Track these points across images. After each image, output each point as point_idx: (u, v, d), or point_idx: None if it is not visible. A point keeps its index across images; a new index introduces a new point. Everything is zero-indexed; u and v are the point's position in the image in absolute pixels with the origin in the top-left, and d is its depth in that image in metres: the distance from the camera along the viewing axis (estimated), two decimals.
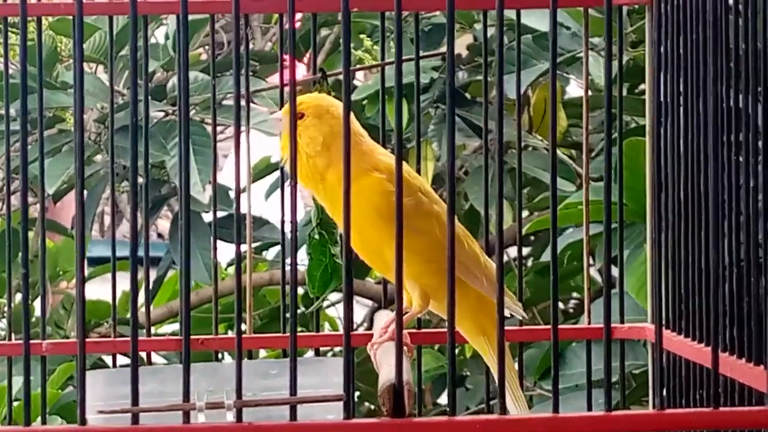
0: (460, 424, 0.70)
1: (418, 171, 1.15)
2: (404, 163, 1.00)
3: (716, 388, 0.73)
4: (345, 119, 0.75)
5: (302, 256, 2.16)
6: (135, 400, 0.71)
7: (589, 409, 1.06)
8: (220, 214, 1.95)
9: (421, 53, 1.73)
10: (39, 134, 1.16)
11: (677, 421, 0.72)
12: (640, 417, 0.73)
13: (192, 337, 1.12)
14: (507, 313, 1.02)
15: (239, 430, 0.70)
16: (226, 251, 2.10)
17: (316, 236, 1.11)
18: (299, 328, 1.99)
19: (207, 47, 1.92)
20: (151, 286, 2.01)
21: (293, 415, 0.72)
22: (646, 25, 1.12)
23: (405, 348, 0.93)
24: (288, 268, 1.17)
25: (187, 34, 0.74)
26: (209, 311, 2.00)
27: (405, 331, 0.96)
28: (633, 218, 1.24)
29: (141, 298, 2.06)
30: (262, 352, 1.74)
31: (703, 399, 0.92)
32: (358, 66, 1.66)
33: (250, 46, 1.94)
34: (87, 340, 1.19)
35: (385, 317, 1.06)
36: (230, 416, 0.72)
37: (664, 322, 1.02)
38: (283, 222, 1.18)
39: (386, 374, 0.77)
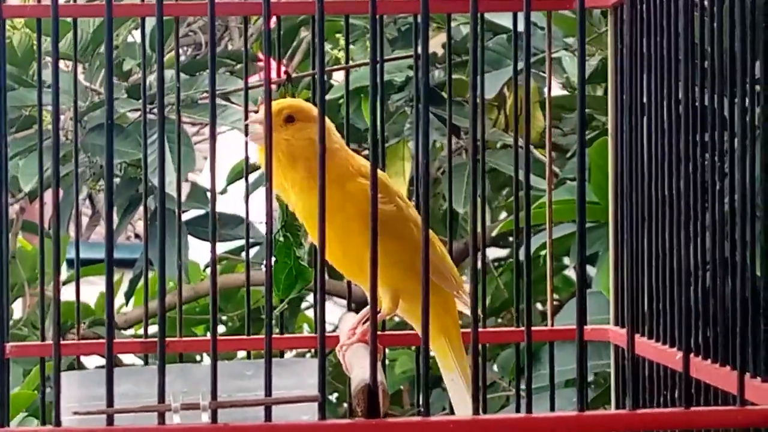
0: (433, 425, 0.70)
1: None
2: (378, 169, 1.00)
3: (688, 388, 0.74)
4: (320, 124, 0.75)
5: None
6: (110, 401, 0.71)
7: (552, 409, 1.07)
8: (197, 212, 1.95)
9: (396, 53, 1.74)
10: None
11: (650, 421, 0.72)
12: (613, 417, 0.73)
13: (154, 339, 1.13)
14: (464, 308, 1.03)
15: (214, 431, 0.70)
16: (204, 251, 2.10)
17: (281, 238, 1.11)
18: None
19: (184, 48, 1.92)
20: (128, 287, 2.01)
21: (268, 416, 0.72)
22: (609, 27, 1.13)
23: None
24: (263, 268, 1.17)
25: (162, 36, 0.74)
26: (188, 312, 2.01)
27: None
28: (605, 218, 1.25)
29: (118, 300, 2.07)
30: (241, 353, 1.73)
31: (668, 400, 0.93)
32: (331, 67, 1.66)
33: (229, 46, 1.94)
34: (62, 342, 1.19)
35: (350, 320, 1.06)
36: (205, 417, 0.72)
37: (627, 323, 1.04)
38: (248, 225, 1.18)
39: (359, 375, 0.78)
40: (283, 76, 1.17)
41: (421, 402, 0.72)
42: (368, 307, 1.01)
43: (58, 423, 0.71)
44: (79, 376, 0.80)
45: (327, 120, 0.98)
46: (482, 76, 1.21)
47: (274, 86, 1.18)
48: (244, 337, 1.17)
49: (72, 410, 0.73)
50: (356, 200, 0.95)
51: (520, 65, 1.63)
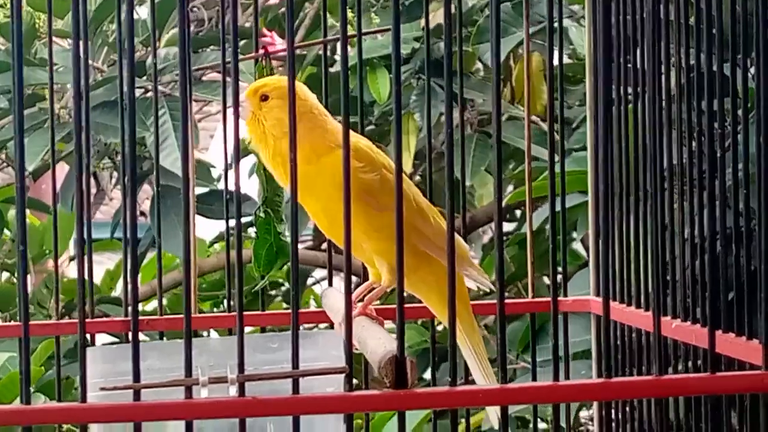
0: (463, 394, 0.70)
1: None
2: (367, 140, 1.00)
3: (661, 354, 0.73)
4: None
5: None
6: (136, 376, 0.71)
7: (534, 379, 1.08)
8: (201, 190, 1.94)
9: (401, 27, 1.73)
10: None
11: (623, 389, 0.72)
12: (586, 386, 0.72)
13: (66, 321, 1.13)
14: (473, 284, 1.03)
15: (243, 404, 0.70)
16: (209, 228, 2.09)
17: (262, 214, 1.11)
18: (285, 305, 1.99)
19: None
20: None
21: (296, 388, 0.72)
22: (586, 9, 1.14)
23: (377, 321, 0.94)
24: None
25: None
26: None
27: (371, 307, 0.97)
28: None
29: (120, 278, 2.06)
30: (247, 328, 1.74)
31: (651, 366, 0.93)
32: (303, 42, 1.65)
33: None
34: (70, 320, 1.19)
35: (335, 295, 1.06)
36: (233, 390, 0.71)
37: (610, 294, 1.06)
38: (238, 201, 1.17)
39: (378, 347, 0.77)
40: (261, 51, 1.16)
41: (448, 374, 0.72)
42: (367, 282, 1.03)
43: (84, 399, 0.71)
44: (102, 352, 0.80)
45: (308, 94, 0.98)
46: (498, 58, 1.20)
47: (251, 61, 1.18)
48: (257, 312, 1.17)
49: (98, 386, 0.73)
50: (332, 172, 0.95)
51: (518, 36, 1.63)
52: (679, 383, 0.72)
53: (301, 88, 0.99)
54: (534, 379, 1.08)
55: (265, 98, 0.98)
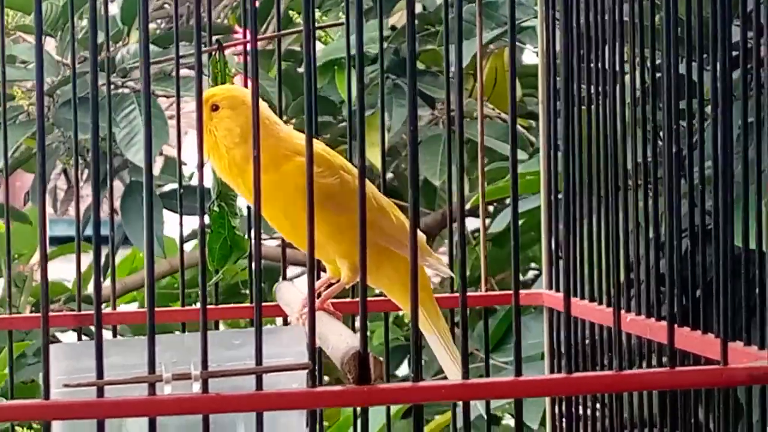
0: (425, 389, 0.71)
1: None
2: (319, 143, 1.01)
3: (620, 351, 0.74)
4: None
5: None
6: (100, 373, 0.71)
7: (487, 375, 1.10)
8: (172, 186, 1.94)
9: (370, 23, 1.74)
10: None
11: (583, 384, 0.72)
12: (547, 381, 0.73)
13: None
14: (432, 273, 1.04)
15: (206, 401, 0.70)
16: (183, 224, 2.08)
17: (216, 209, 1.11)
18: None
19: (158, 21, 1.91)
20: (103, 263, 2.01)
21: (259, 384, 0.72)
22: (539, 7, 1.15)
23: (335, 316, 0.96)
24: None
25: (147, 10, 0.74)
26: (165, 287, 2.00)
27: (329, 301, 0.99)
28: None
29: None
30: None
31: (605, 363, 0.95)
32: (263, 36, 1.65)
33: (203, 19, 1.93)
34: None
35: (289, 289, 1.07)
36: (196, 387, 0.72)
37: (562, 287, 1.08)
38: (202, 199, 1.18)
39: (339, 343, 0.78)
40: (215, 45, 1.16)
41: (410, 369, 0.72)
42: (324, 276, 1.04)
43: (47, 396, 0.71)
44: (65, 348, 0.80)
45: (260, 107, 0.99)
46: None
47: (205, 56, 1.18)
48: (189, 308, 1.20)
49: (61, 383, 0.73)
50: (293, 179, 0.95)
51: (490, 34, 1.64)
52: (639, 378, 0.73)
53: (248, 96, 0.99)
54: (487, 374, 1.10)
55: (215, 108, 0.97)
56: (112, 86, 1.77)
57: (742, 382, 0.74)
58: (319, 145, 1.01)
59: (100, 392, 0.71)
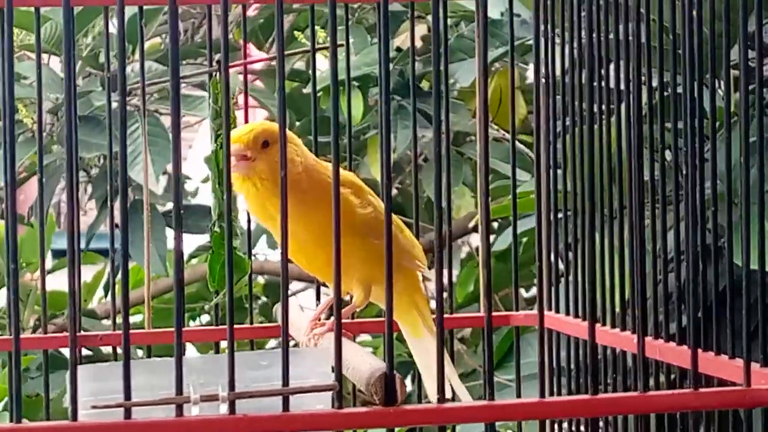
0: (452, 411, 0.71)
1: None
2: (349, 172, 1.03)
3: (595, 372, 0.74)
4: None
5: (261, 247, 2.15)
6: (128, 394, 0.71)
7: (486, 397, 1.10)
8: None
9: (374, 42, 1.74)
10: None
11: (610, 405, 0.73)
12: (573, 402, 0.74)
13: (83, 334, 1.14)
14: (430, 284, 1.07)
15: (234, 422, 0.70)
16: (187, 242, 2.09)
17: (217, 229, 1.11)
18: (260, 319, 2.00)
19: (163, 35, 1.91)
20: (106, 278, 2.01)
21: (286, 406, 0.72)
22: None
23: (348, 337, 0.96)
24: (255, 258, 1.17)
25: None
26: (170, 302, 2.00)
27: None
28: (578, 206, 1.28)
29: (100, 290, 2.05)
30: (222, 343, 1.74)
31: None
32: (253, 59, 1.65)
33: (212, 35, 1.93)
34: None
35: (292, 309, 1.08)
36: (224, 408, 0.72)
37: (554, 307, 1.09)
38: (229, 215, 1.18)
39: (361, 364, 0.78)
40: (215, 65, 1.16)
41: (436, 389, 0.72)
42: (329, 297, 1.05)
43: (75, 417, 0.71)
44: (90, 370, 0.80)
45: (293, 136, 1.00)
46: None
47: (206, 76, 1.18)
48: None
49: (87, 404, 0.73)
50: (343, 211, 0.96)
51: (494, 53, 1.65)
52: (664, 399, 0.74)
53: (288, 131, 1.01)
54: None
55: (266, 144, 0.96)
56: (115, 104, 1.78)
57: (765, 403, 0.75)
58: (350, 175, 1.04)
59: (128, 414, 0.71)
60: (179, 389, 0.71)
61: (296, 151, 0.98)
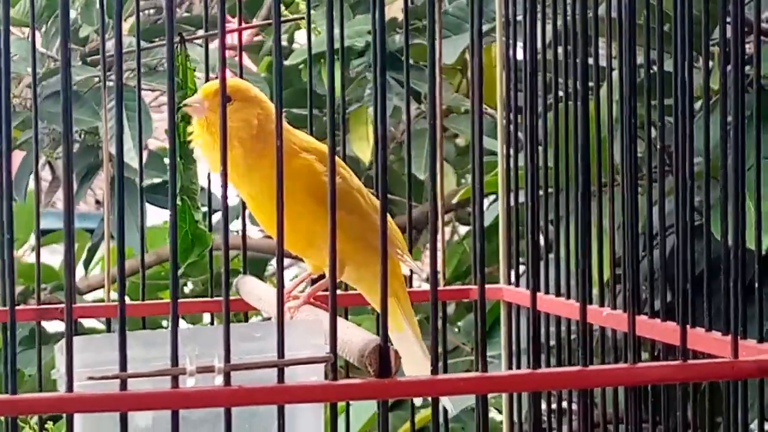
0: (446, 382, 0.72)
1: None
2: (317, 140, 1.02)
3: (585, 345, 0.75)
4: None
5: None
6: (123, 366, 0.71)
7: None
8: (155, 180, 1.94)
9: (357, 18, 1.74)
10: None
11: (600, 377, 0.73)
12: (565, 374, 0.74)
13: (50, 306, 1.14)
14: (408, 270, 1.06)
15: (230, 394, 0.71)
16: (161, 217, 2.09)
17: (178, 202, 1.10)
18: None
19: (144, 12, 1.90)
20: (86, 255, 2.00)
21: (281, 377, 0.73)
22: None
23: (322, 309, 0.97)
24: (237, 234, 1.17)
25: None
26: (152, 277, 2.00)
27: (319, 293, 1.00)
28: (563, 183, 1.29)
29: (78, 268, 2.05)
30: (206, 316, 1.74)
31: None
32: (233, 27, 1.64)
33: (190, 11, 1.93)
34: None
35: (254, 283, 1.08)
36: (219, 380, 0.72)
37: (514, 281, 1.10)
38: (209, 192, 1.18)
39: (352, 336, 0.79)
40: (177, 39, 1.15)
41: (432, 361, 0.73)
42: (304, 274, 1.06)
43: (70, 389, 0.71)
44: (85, 341, 0.81)
45: (265, 99, 0.99)
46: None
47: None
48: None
49: (82, 375, 0.73)
50: (302, 176, 0.96)
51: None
52: (653, 371, 0.75)
53: (254, 89, 1.00)
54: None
55: (228, 100, 0.96)
56: (98, 80, 1.77)
57: (752, 374, 0.76)
58: (319, 144, 1.01)
59: (123, 385, 0.71)
60: (175, 361, 0.71)
61: (257, 115, 0.97)
